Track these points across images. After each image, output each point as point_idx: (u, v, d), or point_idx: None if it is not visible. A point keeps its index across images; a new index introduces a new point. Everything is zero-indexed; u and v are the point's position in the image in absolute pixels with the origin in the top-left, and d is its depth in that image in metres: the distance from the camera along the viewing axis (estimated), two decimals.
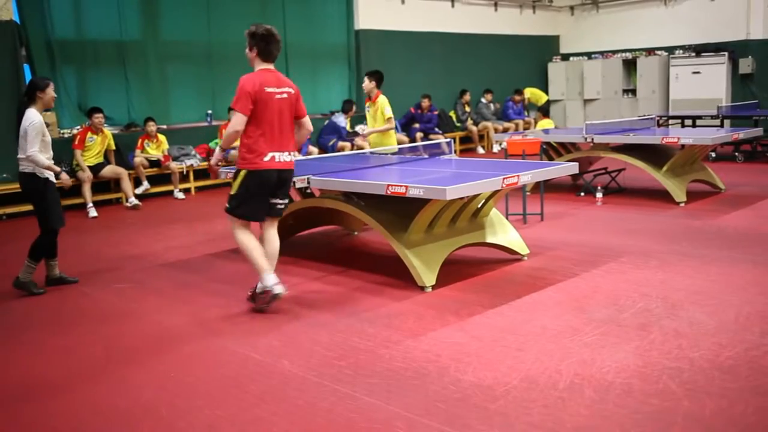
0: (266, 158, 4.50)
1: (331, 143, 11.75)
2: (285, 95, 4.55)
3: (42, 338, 4.43)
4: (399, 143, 12.41)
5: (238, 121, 4.42)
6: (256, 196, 4.59)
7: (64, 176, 5.57)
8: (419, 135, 13.14)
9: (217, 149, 4.79)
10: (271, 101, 4.46)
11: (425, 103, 13.24)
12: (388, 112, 7.09)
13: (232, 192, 4.63)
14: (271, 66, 4.60)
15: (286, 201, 4.80)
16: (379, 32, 13.48)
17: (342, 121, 11.93)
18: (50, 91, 5.44)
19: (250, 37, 4.54)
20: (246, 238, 4.64)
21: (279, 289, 4.59)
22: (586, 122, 8.93)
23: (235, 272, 5.76)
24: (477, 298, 4.74)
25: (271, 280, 4.58)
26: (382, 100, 7.12)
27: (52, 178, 5.43)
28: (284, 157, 4.59)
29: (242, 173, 4.54)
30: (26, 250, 5.44)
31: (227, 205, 4.67)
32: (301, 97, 4.71)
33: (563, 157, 8.70)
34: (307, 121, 4.79)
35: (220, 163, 4.96)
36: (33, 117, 5.26)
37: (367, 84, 7.20)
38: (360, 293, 5.01)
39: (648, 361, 3.57)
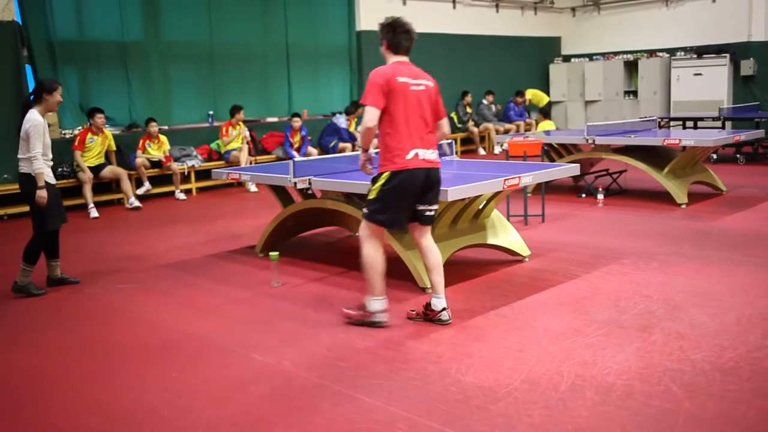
0: (409, 156, 4.03)
1: (332, 144, 11.78)
2: (422, 87, 4.13)
3: (43, 338, 4.43)
4: None
5: (369, 116, 3.98)
6: (400, 200, 4.11)
7: (41, 193, 5.21)
8: None
9: (360, 152, 4.32)
10: (406, 92, 4.04)
11: None
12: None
13: (371, 196, 4.16)
14: (405, 59, 4.20)
15: (436, 207, 4.29)
16: None
17: (343, 122, 11.95)
18: (57, 95, 5.33)
19: (379, 30, 4.22)
20: (374, 252, 4.17)
21: (381, 318, 4.21)
22: (588, 124, 8.93)
23: (236, 273, 5.76)
24: (478, 300, 4.74)
25: (378, 305, 4.20)
26: None
27: (51, 180, 5.36)
28: (429, 155, 4.11)
29: (384, 175, 4.08)
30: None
31: (365, 210, 4.21)
32: (440, 95, 4.29)
33: (564, 158, 8.70)
34: (445, 123, 4.35)
35: (368, 164, 4.31)
36: (34, 118, 5.19)
37: None
38: (361, 294, 4.99)
39: (649, 362, 3.57)
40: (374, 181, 4.18)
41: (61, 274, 5.62)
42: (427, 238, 4.33)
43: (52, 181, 5.40)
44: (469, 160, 7.25)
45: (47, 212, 5.31)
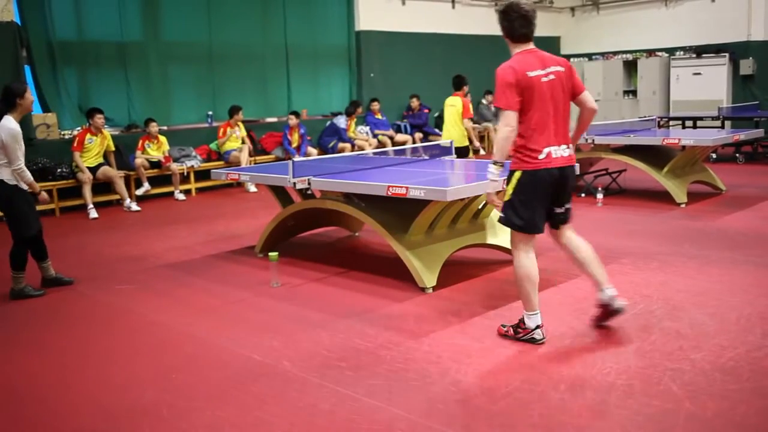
0: (542, 155, 3.75)
1: (331, 145, 11.80)
2: (553, 76, 3.78)
3: (42, 339, 4.43)
4: (401, 144, 12.49)
5: (508, 120, 3.68)
6: (534, 201, 3.82)
7: (44, 195, 5.39)
8: (418, 135, 13.17)
9: (493, 168, 3.75)
10: (538, 87, 3.72)
11: (414, 103, 13.36)
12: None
13: (506, 198, 3.89)
14: (529, 46, 3.84)
15: (569, 206, 3.99)
16: (380, 33, 13.48)
17: (342, 123, 11.97)
18: (29, 96, 5.23)
19: (498, 18, 3.85)
20: (527, 263, 3.86)
21: (540, 335, 3.88)
22: None
23: (236, 273, 5.76)
24: (478, 299, 4.74)
25: (535, 321, 3.88)
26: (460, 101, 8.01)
27: (23, 186, 5.22)
28: (561, 152, 3.81)
29: (516, 175, 3.81)
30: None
31: (501, 215, 3.94)
32: (574, 71, 3.92)
33: None
34: (587, 96, 3.94)
35: (498, 194, 3.94)
36: (11, 126, 5.05)
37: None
38: (361, 294, 5.01)
39: (649, 362, 3.57)
40: (508, 180, 3.90)
41: (55, 274, 5.59)
42: (567, 236, 4.03)
43: (25, 187, 5.24)
44: (468, 160, 7.25)
45: (23, 218, 5.22)
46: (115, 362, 3.98)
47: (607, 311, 4.03)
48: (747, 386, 3.26)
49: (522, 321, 3.95)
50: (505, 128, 3.69)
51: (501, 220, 3.95)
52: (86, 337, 4.43)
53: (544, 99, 3.75)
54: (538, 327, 3.89)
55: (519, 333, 3.94)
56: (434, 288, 4.94)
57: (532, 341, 3.89)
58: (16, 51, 9.18)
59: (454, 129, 8.28)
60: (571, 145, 3.92)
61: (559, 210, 3.96)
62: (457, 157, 7.06)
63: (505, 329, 4.04)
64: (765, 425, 2.92)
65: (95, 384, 3.69)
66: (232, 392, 3.47)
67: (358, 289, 5.13)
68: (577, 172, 4.17)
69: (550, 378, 3.43)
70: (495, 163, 3.75)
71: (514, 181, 3.83)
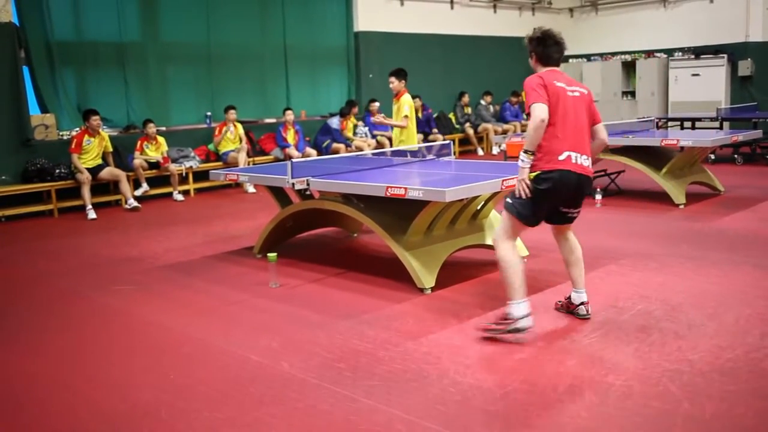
0: (561, 157, 3.90)
1: (324, 144, 11.86)
2: (578, 93, 4.04)
3: (41, 339, 4.43)
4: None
5: (540, 110, 3.81)
6: (546, 201, 3.98)
7: None
8: (420, 137, 13.17)
9: (523, 156, 3.90)
10: (563, 96, 3.94)
11: (417, 103, 13.33)
12: (406, 111, 7.38)
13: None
14: (555, 68, 4.11)
15: (579, 209, 4.19)
16: (379, 34, 13.49)
17: (335, 123, 12.03)
18: None
19: (527, 42, 4.12)
20: (511, 252, 4.00)
21: (526, 323, 3.93)
22: None
23: (234, 274, 5.76)
24: (476, 300, 4.74)
25: (522, 310, 3.92)
26: (405, 99, 7.41)
27: None
28: (583, 160, 4.00)
29: (531, 175, 3.95)
30: (26, 252, 5.44)
31: (508, 200, 4.07)
32: (594, 100, 4.20)
33: None
34: (602, 128, 4.22)
35: (527, 179, 3.96)
36: None
37: (396, 83, 7.41)
38: (359, 295, 5.00)
39: (648, 363, 3.57)
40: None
41: None
42: (568, 235, 4.28)
43: None
44: (467, 161, 7.25)
45: None
46: (113, 363, 3.98)
47: (570, 309, 4.32)
48: (745, 387, 3.26)
49: (507, 316, 3.98)
50: (537, 118, 3.82)
51: (506, 205, 4.06)
52: (84, 338, 4.42)
53: (568, 108, 3.95)
54: (525, 316, 3.93)
55: (504, 325, 3.97)
56: (433, 289, 4.94)
57: (518, 331, 3.92)
58: (14, 52, 9.17)
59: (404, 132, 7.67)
60: (590, 158, 4.09)
61: (569, 212, 4.14)
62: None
63: (490, 326, 4.06)
64: (763, 426, 2.93)
65: (93, 384, 3.69)
66: (231, 393, 3.47)
67: (357, 290, 5.13)
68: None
69: (549, 379, 3.43)
70: (526, 151, 3.90)
71: (531, 177, 3.94)
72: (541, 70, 4.08)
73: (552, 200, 4.00)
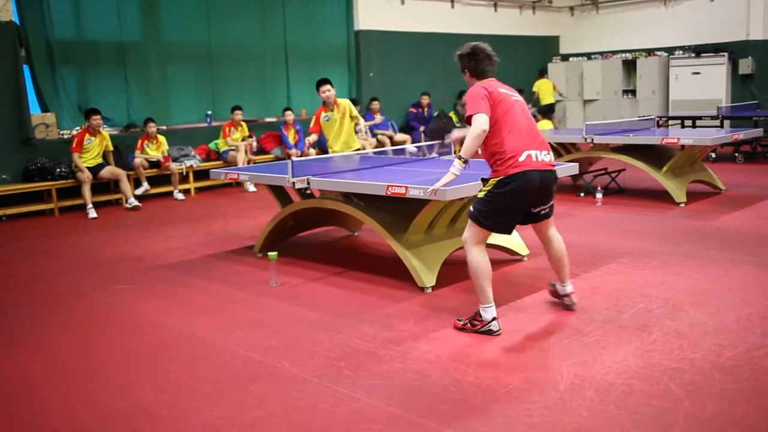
0: (522, 158, 3.90)
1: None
2: (519, 98, 4.13)
3: (41, 339, 4.43)
4: (401, 143, 12.48)
5: (481, 121, 3.82)
6: (511, 205, 3.99)
7: None
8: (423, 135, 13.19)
9: (457, 163, 3.93)
10: (509, 102, 3.98)
11: (425, 100, 13.35)
12: (355, 110, 7.25)
13: (480, 195, 4.07)
14: (492, 79, 4.13)
15: (551, 203, 4.21)
16: (379, 33, 13.48)
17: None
18: None
19: (459, 60, 4.15)
20: (480, 257, 4.02)
21: (496, 326, 4.01)
22: (586, 123, 8.92)
23: (235, 273, 5.76)
24: (477, 299, 4.73)
25: (490, 314, 4.02)
26: (344, 102, 7.17)
27: None
28: (543, 156, 3.99)
29: (492, 181, 3.99)
30: (26, 251, 5.43)
31: (471, 209, 4.07)
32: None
33: (563, 157, 8.69)
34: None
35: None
36: None
37: (333, 90, 7.09)
38: (360, 294, 5.00)
39: (649, 362, 3.57)
40: (484, 181, 4.08)
41: None
42: (550, 230, 4.31)
43: None
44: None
45: None
46: (114, 362, 3.98)
47: (557, 297, 4.47)
48: (746, 386, 3.26)
49: (478, 314, 4.08)
50: (479, 128, 3.83)
51: (470, 214, 4.08)
52: (85, 337, 4.42)
53: (517, 113, 4.00)
54: (494, 319, 4.04)
55: (476, 325, 4.07)
56: (434, 288, 4.94)
57: (489, 333, 4.03)
58: (14, 51, 9.16)
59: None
60: (551, 152, 4.09)
61: (541, 209, 4.16)
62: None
63: (462, 323, 4.14)
64: (764, 424, 2.92)
65: (94, 384, 3.69)
66: (232, 392, 3.47)
67: (358, 289, 5.13)
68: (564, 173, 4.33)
69: (550, 377, 3.43)
70: (460, 158, 3.93)
71: (489, 185, 4.00)
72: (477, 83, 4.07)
73: (517, 203, 4.00)
